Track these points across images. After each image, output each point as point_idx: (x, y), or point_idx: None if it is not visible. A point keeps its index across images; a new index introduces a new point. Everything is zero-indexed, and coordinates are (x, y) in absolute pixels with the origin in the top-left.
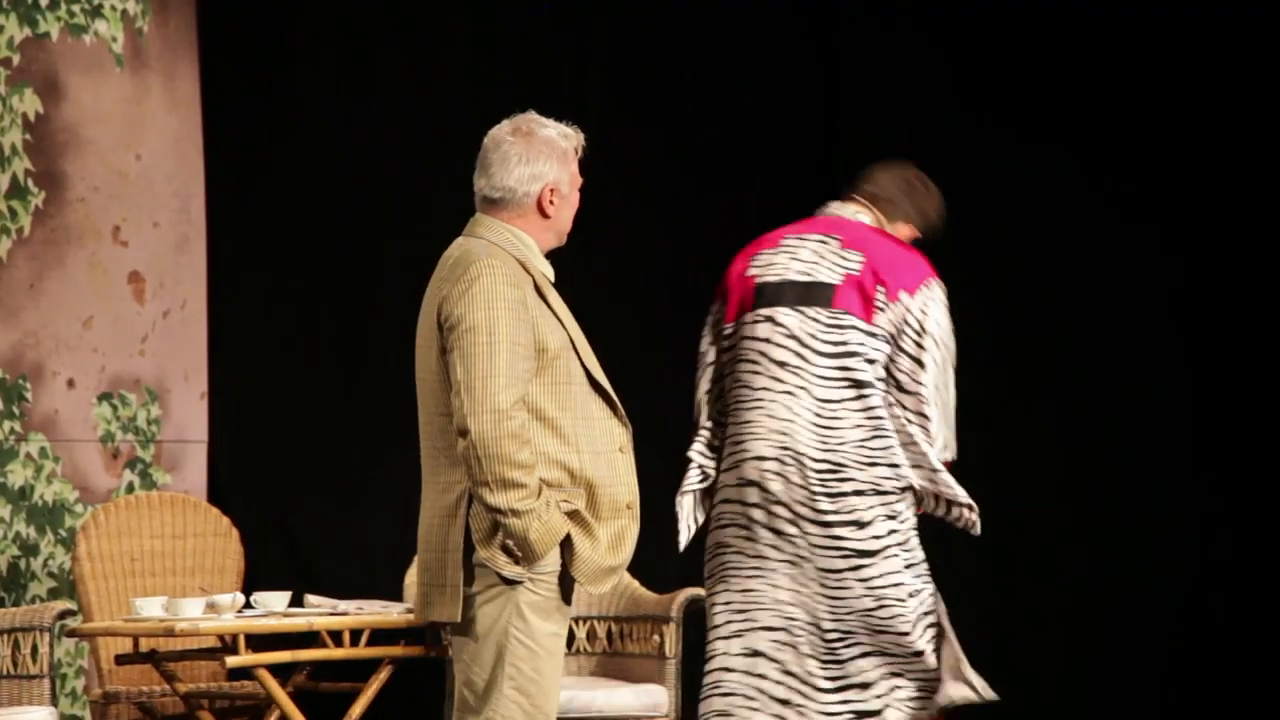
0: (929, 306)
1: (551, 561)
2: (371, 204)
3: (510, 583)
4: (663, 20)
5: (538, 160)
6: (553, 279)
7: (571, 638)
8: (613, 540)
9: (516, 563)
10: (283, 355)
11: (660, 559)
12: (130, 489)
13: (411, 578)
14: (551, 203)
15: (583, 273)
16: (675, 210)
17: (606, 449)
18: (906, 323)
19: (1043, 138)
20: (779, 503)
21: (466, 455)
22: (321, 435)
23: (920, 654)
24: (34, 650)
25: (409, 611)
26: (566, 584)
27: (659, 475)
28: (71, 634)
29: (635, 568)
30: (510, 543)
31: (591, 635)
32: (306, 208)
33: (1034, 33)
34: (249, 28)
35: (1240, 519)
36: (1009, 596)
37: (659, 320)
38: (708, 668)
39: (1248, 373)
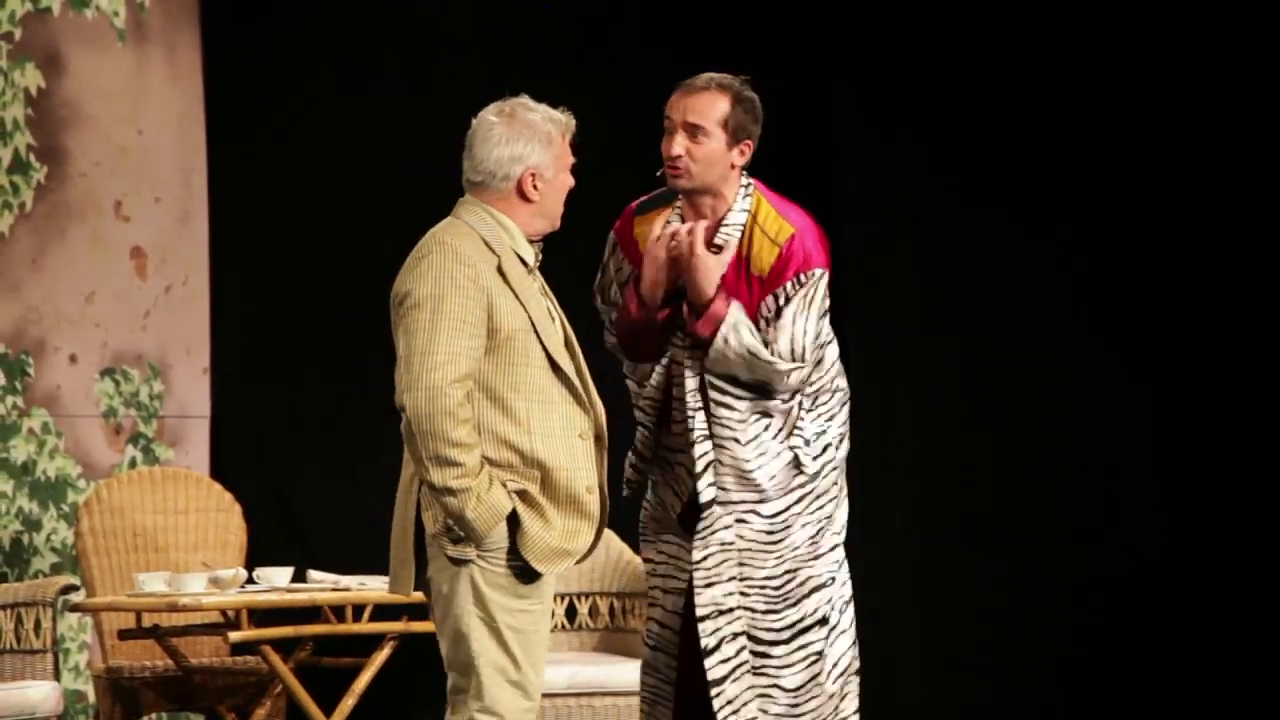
0: None
1: (499, 538)
2: (373, 178)
3: (459, 562)
4: (656, 18)
5: (518, 143)
6: (533, 263)
7: (574, 614)
8: (570, 524)
9: (458, 542)
10: (285, 330)
11: None
12: (133, 464)
13: None
14: (535, 187)
15: (581, 266)
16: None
17: (564, 433)
18: None
19: (1038, 116)
20: None
21: (405, 432)
22: (324, 410)
23: None
24: (37, 625)
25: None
26: (524, 560)
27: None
28: (74, 609)
29: (637, 543)
30: (450, 521)
31: (594, 611)
32: (308, 182)
33: (1031, 15)
34: (250, 2)
35: (1242, 512)
36: (1001, 590)
37: None
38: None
39: (1249, 359)
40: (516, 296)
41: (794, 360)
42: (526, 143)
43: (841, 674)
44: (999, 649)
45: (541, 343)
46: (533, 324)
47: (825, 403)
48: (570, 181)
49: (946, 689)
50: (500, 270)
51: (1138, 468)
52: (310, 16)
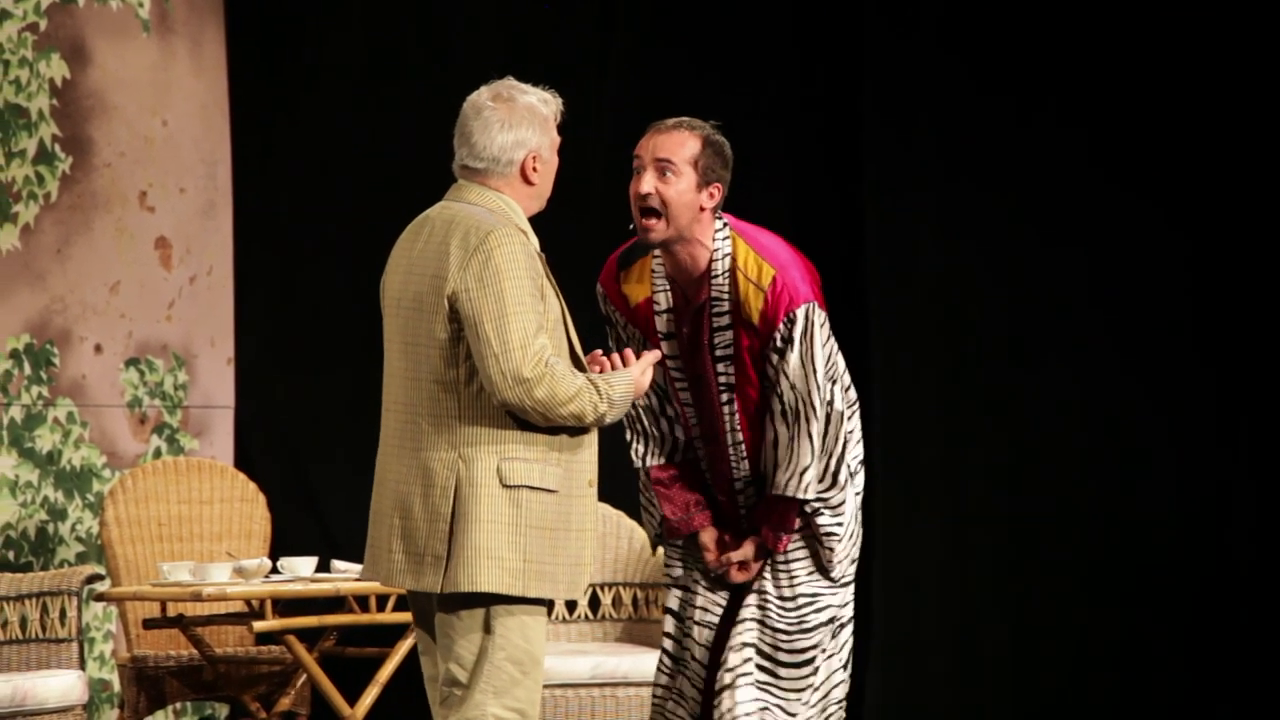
0: None
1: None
2: (395, 169)
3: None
4: (681, 11)
5: (520, 127)
6: (538, 248)
7: (596, 604)
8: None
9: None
10: (308, 321)
11: None
12: (157, 454)
13: None
14: (535, 169)
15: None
16: None
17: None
18: None
19: (1059, 120)
20: None
21: (531, 414)
22: (347, 400)
23: None
24: (62, 614)
25: None
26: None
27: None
28: (99, 598)
29: None
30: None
31: (617, 601)
32: (332, 173)
33: (1052, 16)
34: None
35: (1258, 507)
36: (1027, 582)
37: None
38: None
39: (1264, 356)
40: (554, 286)
41: (812, 399)
42: (528, 126)
43: (836, 701)
44: (1018, 652)
45: (569, 335)
46: (564, 315)
47: (855, 454)
48: (557, 161)
49: (967, 688)
50: (541, 259)
51: (1156, 472)
52: (333, 8)
